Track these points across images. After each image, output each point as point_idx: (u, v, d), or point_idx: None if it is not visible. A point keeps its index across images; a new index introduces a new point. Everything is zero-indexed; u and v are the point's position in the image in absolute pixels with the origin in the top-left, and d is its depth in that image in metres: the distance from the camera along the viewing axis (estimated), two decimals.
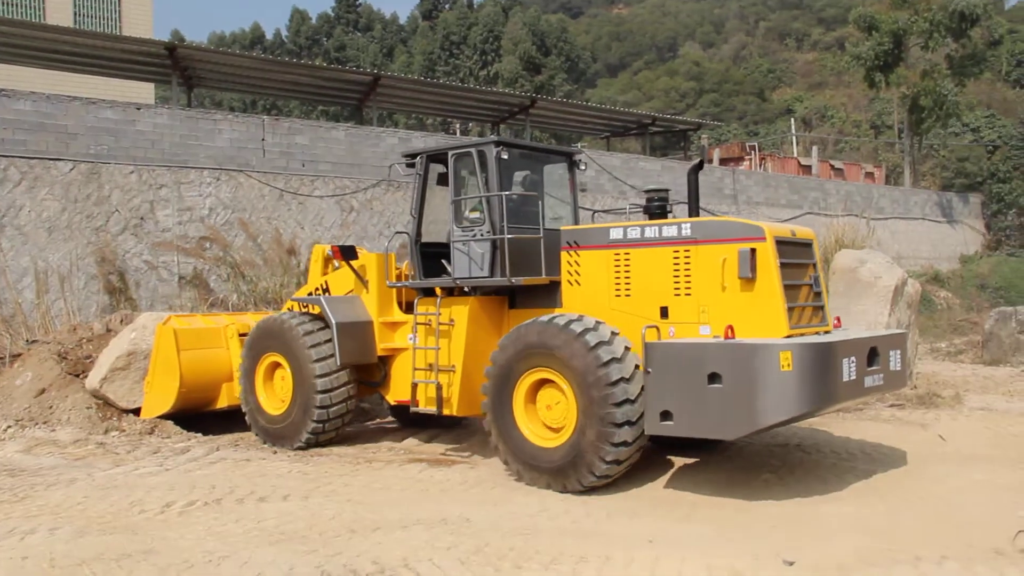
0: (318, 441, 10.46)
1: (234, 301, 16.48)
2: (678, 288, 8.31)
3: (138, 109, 16.92)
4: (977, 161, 44.02)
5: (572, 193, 10.49)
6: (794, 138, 50.01)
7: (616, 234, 8.73)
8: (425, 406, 9.71)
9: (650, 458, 9.70)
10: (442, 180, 10.21)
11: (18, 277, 15.06)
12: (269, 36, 75.55)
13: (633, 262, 8.60)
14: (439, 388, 9.48)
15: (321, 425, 10.31)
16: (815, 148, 41.31)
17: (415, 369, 9.78)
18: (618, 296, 8.70)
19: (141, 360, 11.65)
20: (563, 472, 8.15)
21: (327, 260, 11.48)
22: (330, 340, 10.24)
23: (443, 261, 9.96)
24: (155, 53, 20.38)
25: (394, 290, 10.55)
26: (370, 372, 10.67)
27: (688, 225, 8.33)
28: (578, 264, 8.97)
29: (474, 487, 8.62)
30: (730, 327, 7.88)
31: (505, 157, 9.34)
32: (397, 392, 10.46)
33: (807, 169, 37.24)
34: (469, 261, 9.40)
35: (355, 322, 10.32)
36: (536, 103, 26.99)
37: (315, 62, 39.35)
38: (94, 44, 19.76)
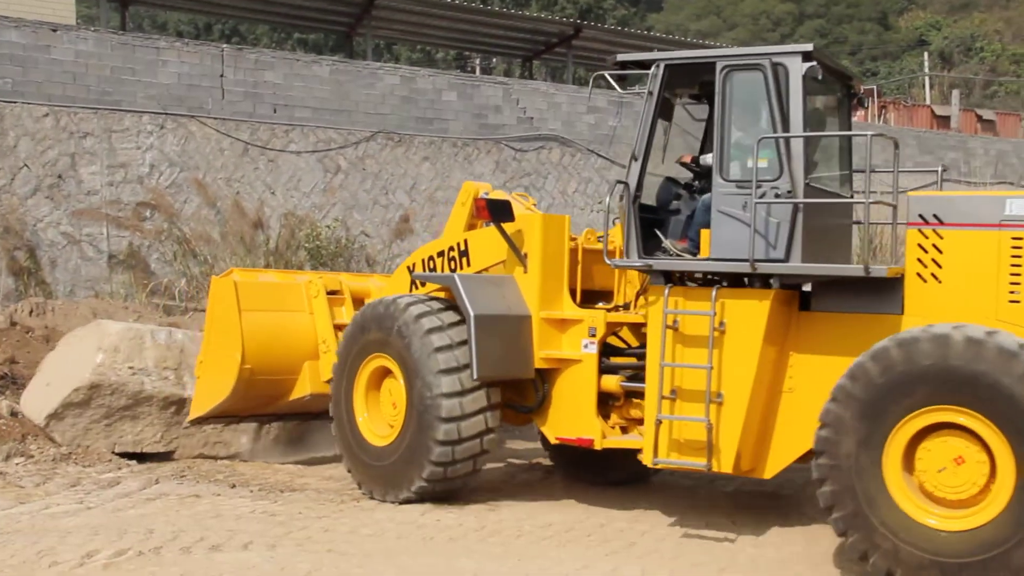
0: (434, 492, 9.46)
1: (182, 287, 16.49)
2: None
3: (54, 31, 16.93)
4: None
5: (846, 138, 9.90)
6: (927, 79, 49.50)
7: (1019, 208, 7.91)
8: (679, 456, 8.71)
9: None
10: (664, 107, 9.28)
11: None
12: None
13: None
14: (710, 430, 8.50)
15: (442, 469, 9.25)
16: (956, 93, 40.88)
17: (661, 398, 8.72)
18: (1016, 302, 7.82)
19: (107, 396, 11.46)
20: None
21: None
22: (465, 342, 9.29)
23: (655, 230, 9.28)
24: None
25: (564, 273, 9.76)
26: (521, 391, 9.80)
27: None
28: (938, 250, 8.15)
29: (493, 535, 8.59)
30: None
31: (819, 78, 8.57)
32: (561, 424, 9.54)
33: (944, 121, 36.84)
34: (748, 233, 8.40)
35: (504, 316, 9.37)
36: (581, 32, 26.83)
37: None
38: None
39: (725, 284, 8.75)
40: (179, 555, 7.74)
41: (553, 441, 9.76)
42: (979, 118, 38.54)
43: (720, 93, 8.74)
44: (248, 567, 7.46)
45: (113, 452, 11.45)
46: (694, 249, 8.97)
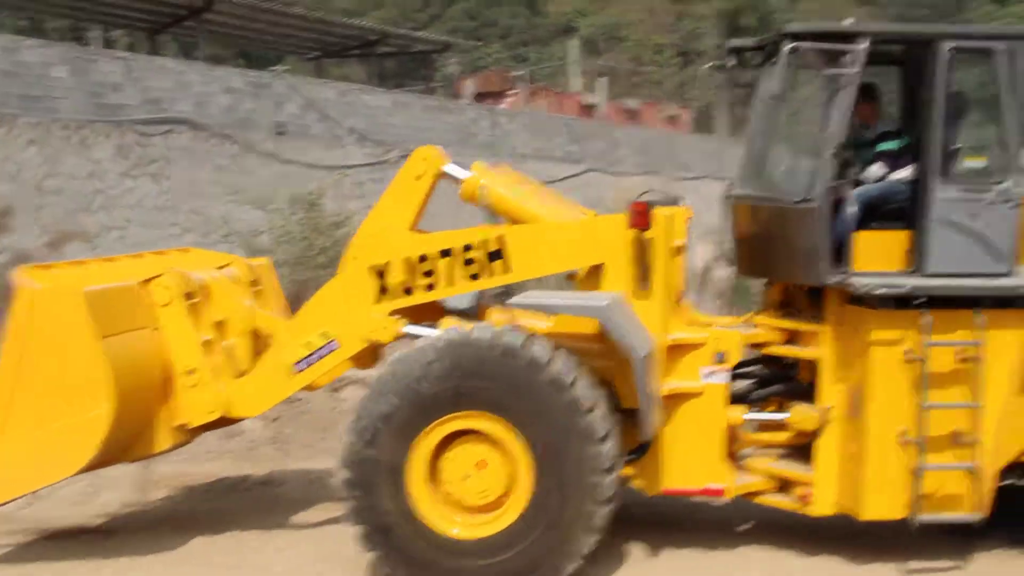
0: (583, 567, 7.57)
1: None
2: None
3: None
4: None
5: None
6: (576, 67, 51.52)
7: None
8: (945, 511, 7.71)
9: None
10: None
11: None
12: None
13: None
14: (975, 477, 7.66)
15: (598, 536, 7.47)
16: (603, 81, 42.66)
17: (921, 450, 7.58)
18: None
19: None
20: None
21: (440, 177, 8.49)
22: (588, 374, 7.46)
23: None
24: None
25: (676, 287, 8.29)
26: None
27: None
28: None
29: None
30: None
31: None
32: (673, 472, 8.03)
33: (589, 110, 38.48)
34: (975, 245, 7.69)
35: (652, 350, 7.58)
36: (213, 5, 26.26)
37: None
38: None
39: (986, 307, 7.74)
40: None
41: (659, 492, 8.17)
42: (624, 109, 40.58)
43: (941, 76, 7.73)
44: None
45: None
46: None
